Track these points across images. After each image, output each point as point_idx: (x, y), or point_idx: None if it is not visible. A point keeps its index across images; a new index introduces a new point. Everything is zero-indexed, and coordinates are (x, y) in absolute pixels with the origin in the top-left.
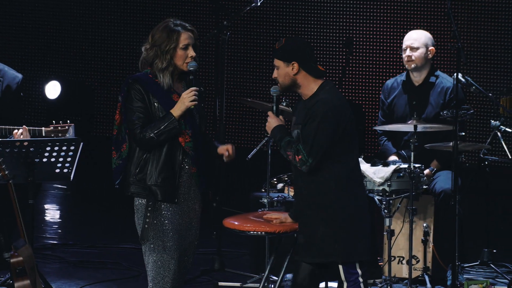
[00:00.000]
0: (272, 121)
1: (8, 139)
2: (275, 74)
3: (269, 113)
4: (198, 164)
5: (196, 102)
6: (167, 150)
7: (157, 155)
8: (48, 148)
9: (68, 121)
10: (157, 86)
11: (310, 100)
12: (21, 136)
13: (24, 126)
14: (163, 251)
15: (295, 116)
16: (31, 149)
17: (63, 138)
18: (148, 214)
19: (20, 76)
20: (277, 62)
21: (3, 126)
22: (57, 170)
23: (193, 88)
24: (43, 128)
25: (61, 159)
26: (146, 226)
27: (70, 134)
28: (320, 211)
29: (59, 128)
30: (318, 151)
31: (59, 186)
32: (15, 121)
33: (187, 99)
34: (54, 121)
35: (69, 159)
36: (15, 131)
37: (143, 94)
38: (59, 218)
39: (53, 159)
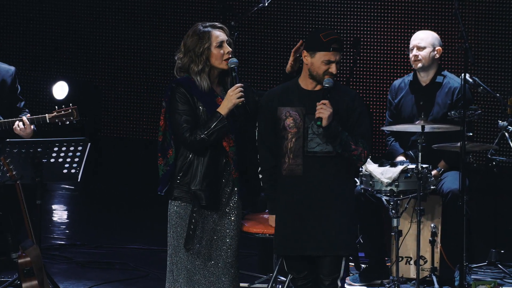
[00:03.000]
0: (330, 111)
1: (16, 139)
2: (335, 69)
3: (326, 101)
4: (240, 170)
5: (243, 99)
6: (211, 154)
7: (201, 159)
8: (55, 149)
9: (71, 104)
10: (200, 89)
11: (336, 90)
12: (23, 128)
13: (23, 117)
14: (188, 254)
15: (300, 106)
16: (39, 149)
17: (70, 138)
18: (193, 220)
19: (13, 68)
20: (339, 56)
21: (3, 120)
22: (65, 171)
23: (238, 84)
24: (46, 114)
25: (68, 160)
26: (190, 232)
27: (74, 116)
28: (342, 202)
29: (63, 112)
30: (371, 145)
31: (67, 186)
32: (18, 113)
33: (233, 96)
34: (56, 107)
35: (76, 159)
36: (15, 125)
37: (187, 97)
38: (67, 219)
39: (60, 160)
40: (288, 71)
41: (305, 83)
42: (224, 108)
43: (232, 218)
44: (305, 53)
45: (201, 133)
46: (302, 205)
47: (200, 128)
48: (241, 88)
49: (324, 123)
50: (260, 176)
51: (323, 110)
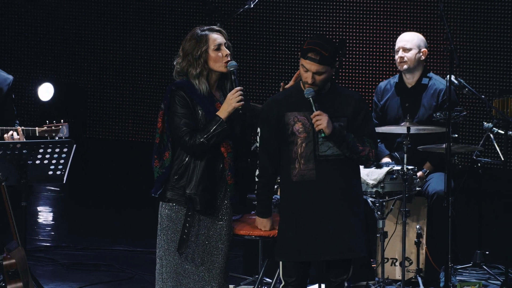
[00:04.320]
0: (326, 119)
1: (1, 141)
2: (317, 79)
3: (318, 112)
4: (236, 176)
5: (243, 103)
6: (208, 158)
7: (197, 163)
8: (41, 150)
9: (62, 120)
10: (199, 93)
11: (338, 93)
12: (16, 139)
13: (19, 128)
14: (177, 258)
15: (307, 111)
16: (24, 151)
17: (55, 140)
18: (187, 224)
19: (11, 77)
20: (324, 68)
21: None
22: (50, 172)
23: (238, 88)
24: (36, 128)
25: (54, 161)
26: (184, 236)
27: (64, 133)
28: (355, 204)
29: (53, 127)
30: (377, 144)
31: (52, 188)
32: (8, 123)
33: (233, 100)
34: (47, 121)
35: (62, 161)
36: (6, 135)
37: (187, 100)
38: (52, 220)
39: (46, 161)
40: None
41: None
42: (223, 112)
43: (224, 223)
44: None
45: (201, 137)
46: (316, 210)
47: (200, 132)
48: (241, 92)
49: (327, 131)
50: (257, 180)
51: (319, 121)
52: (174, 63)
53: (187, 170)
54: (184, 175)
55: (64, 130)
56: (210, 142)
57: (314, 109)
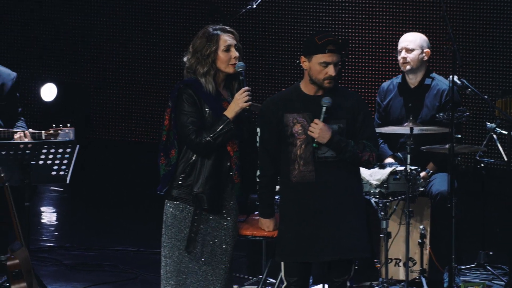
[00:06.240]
0: (325, 128)
1: (4, 141)
2: (336, 71)
3: (317, 120)
4: (242, 175)
5: (251, 103)
6: (214, 157)
7: (204, 162)
8: (44, 151)
9: (68, 124)
10: (207, 92)
11: (338, 94)
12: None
13: (26, 131)
14: (182, 257)
15: (306, 112)
16: (27, 151)
17: (59, 140)
18: (195, 223)
19: (14, 74)
20: (340, 57)
21: (4, 129)
22: (53, 173)
23: (245, 88)
24: (43, 131)
25: (57, 162)
26: (192, 235)
27: (70, 137)
28: (355, 205)
29: (59, 131)
30: (378, 145)
31: (56, 188)
32: (13, 118)
33: (241, 100)
34: (54, 125)
35: (65, 161)
36: (16, 135)
37: (195, 99)
38: (56, 221)
39: (49, 162)
40: None
41: (307, 88)
42: (231, 111)
43: (230, 223)
44: (303, 58)
45: (207, 136)
46: (316, 211)
47: (206, 131)
48: (248, 92)
49: (320, 141)
50: (258, 180)
51: (313, 129)
52: (184, 59)
53: (194, 169)
54: (191, 173)
55: (70, 134)
56: (217, 142)
57: (321, 118)
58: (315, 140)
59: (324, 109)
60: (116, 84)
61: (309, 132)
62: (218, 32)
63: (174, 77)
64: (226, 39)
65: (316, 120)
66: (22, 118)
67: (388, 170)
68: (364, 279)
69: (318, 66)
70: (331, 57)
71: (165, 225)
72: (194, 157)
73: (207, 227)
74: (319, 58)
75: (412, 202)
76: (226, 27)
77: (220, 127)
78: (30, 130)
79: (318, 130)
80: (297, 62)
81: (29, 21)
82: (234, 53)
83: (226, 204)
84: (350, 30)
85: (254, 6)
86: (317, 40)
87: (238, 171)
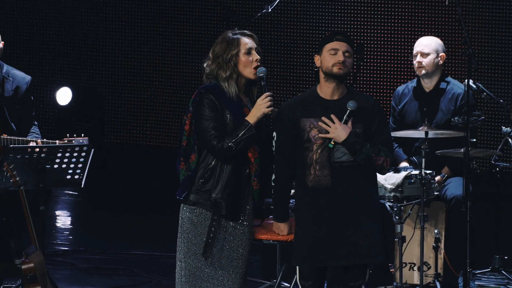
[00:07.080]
0: (341, 127)
1: (20, 145)
2: (347, 60)
3: (335, 119)
4: (262, 182)
5: (272, 108)
6: (234, 163)
7: (224, 167)
8: (59, 154)
9: (83, 134)
10: (228, 97)
11: (354, 98)
12: None
13: (39, 141)
14: (197, 261)
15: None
16: (42, 155)
17: (74, 144)
18: (213, 229)
19: (29, 77)
20: (351, 50)
21: (17, 138)
22: (68, 177)
23: (267, 93)
24: (57, 141)
25: (72, 165)
26: (209, 241)
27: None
28: (371, 209)
29: (73, 142)
30: (393, 151)
31: (70, 192)
32: (27, 122)
33: (263, 105)
34: (68, 134)
35: (80, 165)
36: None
37: (216, 104)
38: (70, 225)
39: (64, 165)
40: None
41: (323, 91)
42: (252, 117)
43: (246, 228)
44: (316, 57)
45: (229, 141)
46: (331, 216)
47: (228, 136)
48: (270, 97)
49: (337, 140)
50: (273, 185)
51: (332, 129)
52: (204, 65)
53: (213, 174)
54: (210, 179)
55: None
56: (238, 147)
57: (342, 120)
58: (332, 141)
59: (348, 111)
60: (131, 88)
61: (325, 127)
62: (238, 36)
63: (190, 81)
64: (247, 42)
65: (333, 117)
66: (36, 123)
67: (403, 174)
68: (378, 283)
69: (328, 55)
70: (339, 45)
71: (181, 229)
72: (213, 162)
73: (224, 232)
74: (328, 47)
75: (427, 206)
76: (246, 31)
77: (242, 132)
78: (44, 140)
79: (334, 128)
80: (315, 68)
81: (45, 25)
82: (256, 55)
83: (243, 209)
84: (365, 34)
85: (270, 10)
86: (326, 34)
87: (257, 177)
